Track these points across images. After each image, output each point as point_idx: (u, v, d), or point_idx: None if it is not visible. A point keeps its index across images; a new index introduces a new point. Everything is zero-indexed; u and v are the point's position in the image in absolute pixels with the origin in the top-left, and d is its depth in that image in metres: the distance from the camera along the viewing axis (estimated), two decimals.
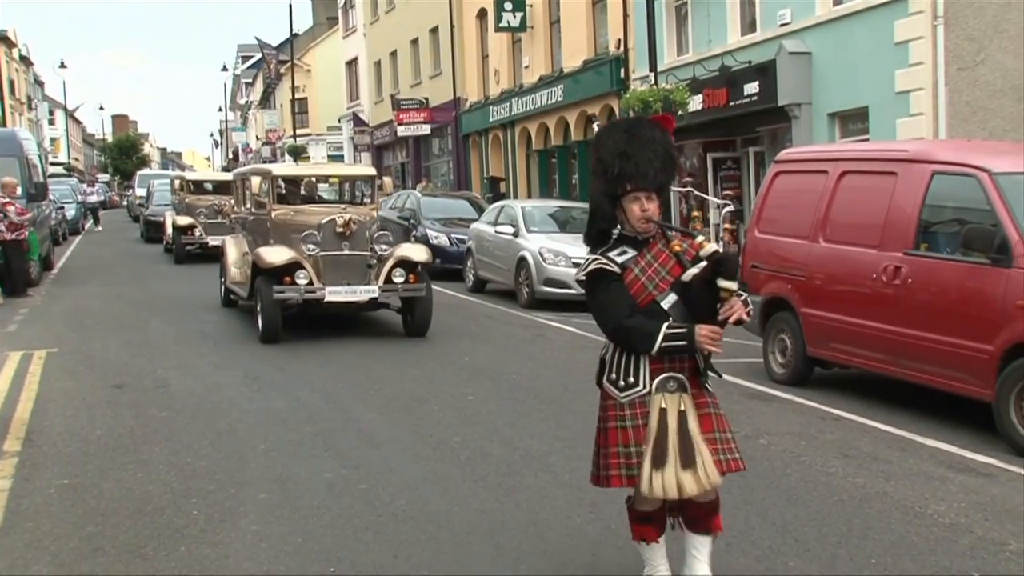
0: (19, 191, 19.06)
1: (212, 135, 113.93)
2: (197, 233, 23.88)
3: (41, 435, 7.99)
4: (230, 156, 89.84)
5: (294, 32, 49.90)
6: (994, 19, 15.75)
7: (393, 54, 42.02)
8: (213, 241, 22.24)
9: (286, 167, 17.83)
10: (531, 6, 28.93)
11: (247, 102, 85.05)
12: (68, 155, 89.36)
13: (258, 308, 12.26)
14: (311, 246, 12.29)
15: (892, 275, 8.54)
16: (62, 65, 75.66)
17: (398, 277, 12.39)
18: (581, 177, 27.69)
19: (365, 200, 14.70)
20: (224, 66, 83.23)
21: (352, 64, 49.20)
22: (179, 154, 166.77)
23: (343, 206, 13.69)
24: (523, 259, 16.63)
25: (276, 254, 12.27)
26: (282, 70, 57.48)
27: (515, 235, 17.38)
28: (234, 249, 14.86)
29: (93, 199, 42.46)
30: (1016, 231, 7.62)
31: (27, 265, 17.72)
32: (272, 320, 12.05)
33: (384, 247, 12.54)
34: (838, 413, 8.80)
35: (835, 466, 7.10)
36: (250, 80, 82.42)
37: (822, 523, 5.92)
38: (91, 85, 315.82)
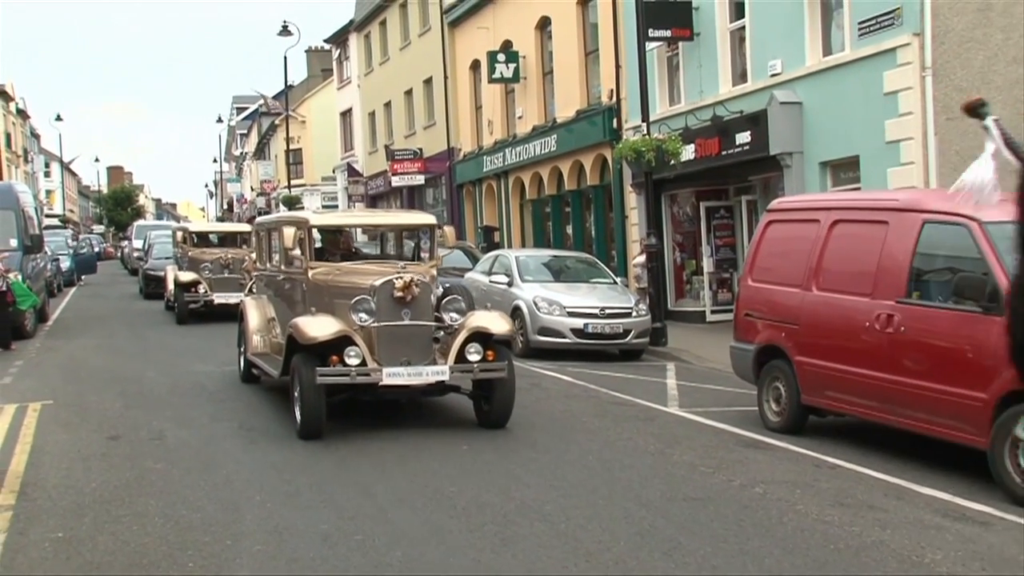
0: (13, 243, 19.18)
1: (207, 186, 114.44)
2: (202, 290, 21.99)
3: (36, 488, 7.97)
4: (225, 207, 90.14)
5: (289, 84, 50.26)
6: (981, 70, 15.97)
7: (387, 105, 42.35)
8: (219, 299, 21.33)
9: (326, 215, 14.11)
10: (524, 57, 29.23)
11: (242, 153, 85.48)
12: (63, 207, 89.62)
13: (295, 394, 9.76)
14: (363, 315, 9.79)
15: (885, 323, 8.60)
16: (58, 118, 76.28)
17: (473, 354, 9.94)
18: (575, 226, 27.82)
19: (422, 255, 12.01)
20: (219, 117, 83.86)
21: (346, 115, 49.55)
22: (174, 205, 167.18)
23: (402, 264, 10.99)
24: (517, 308, 16.68)
25: (320, 326, 9.74)
26: (277, 121, 57.84)
27: (509, 284, 17.45)
28: (256, 313, 12.70)
29: (85, 251, 40.63)
30: (1007, 279, 7.68)
31: (11, 317, 17.35)
32: (314, 410, 9.49)
33: (454, 315, 10.15)
34: (833, 461, 8.81)
35: (831, 515, 7.10)
36: (245, 131, 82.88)
37: (819, 572, 5.91)
38: (87, 137, 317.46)
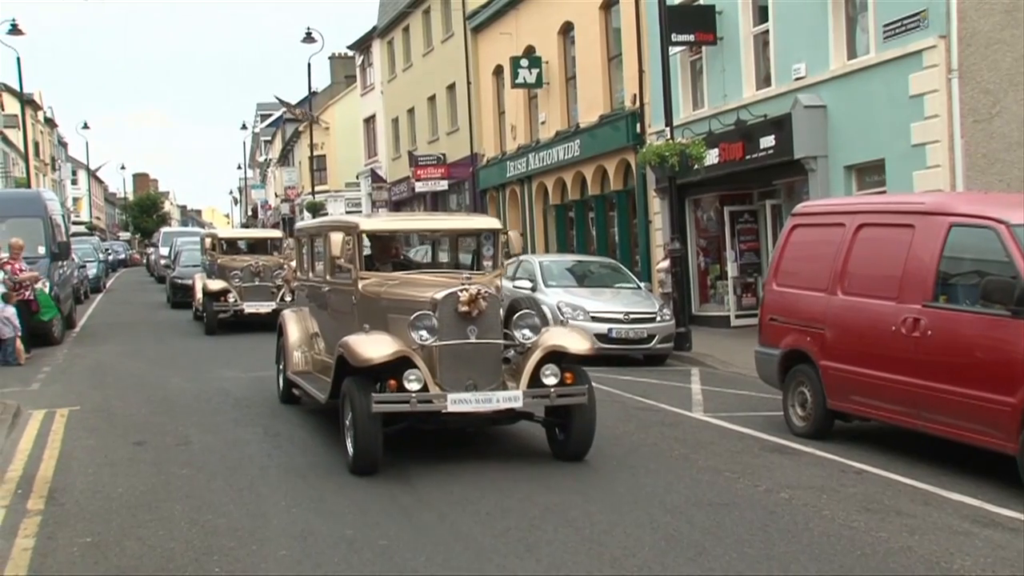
0: (41, 250, 19.33)
1: (231, 192, 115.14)
2: (231, 299, 21.13)
3: (64, 493, 8.03)
4: (249, 213, 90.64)
5: (312, 90, 50.47)
6: (1009, 72, 15.84)
7: (411, 111, 42.48)
8: (249, 308, 20.83)
9: (378, 219, 12.63)
10: (547, 63, 29.25)
11: (266, 159, 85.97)
12: (90, 214, 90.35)
13: (347, 422, 8.68)
14: (424, 333, 8.57)
15: (911, 327, 8.54)
16: (85, 126, 76.97)
17: (549, 377, 8.75)
18: (599, 231, 27.81)
19: (484, 264, 10.80)
20: (243, 124, 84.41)
21: (370, 121, 49.73)
22: (199, 212, 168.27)
23: (465, 274, 9.81)
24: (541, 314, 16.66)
25: (375, 345, 8.62)
26: (301, 127, 58.13)
27: (533, 289, 17.44)
28: (296, 328, 11.69)
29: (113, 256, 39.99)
30: None
31: (35, 325, 17.21)
32: (370, 442, 8.37)
33: (527, 332, 8.91)
34: (859, 466, 8.75)
35: (857, 520, 7.05)
36: (269, 138, 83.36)
37: None
38: (113, 144, 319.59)
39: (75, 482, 8.40)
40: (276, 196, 74.20)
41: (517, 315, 8.99)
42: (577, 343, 9.08)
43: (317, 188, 51.43)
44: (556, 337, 9.07)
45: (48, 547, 6.62)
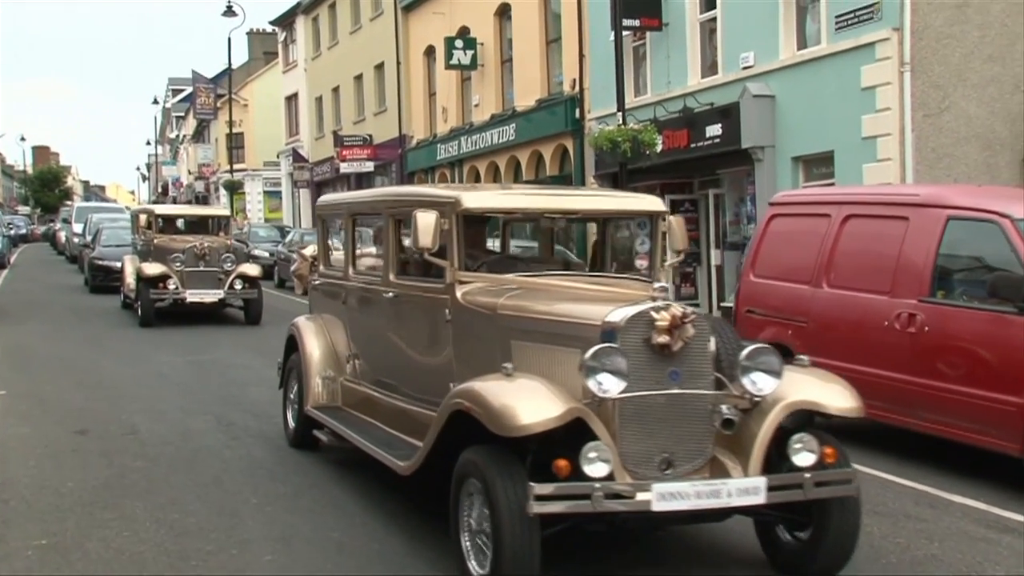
0: None
1: (139, 169, 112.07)
2: (172, 285, 18.48)
3: (6, 488, 7.35)
4: (159, 190, 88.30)
5: (231, 66, 49.01)
6: (958, 68, 15.89)
7: (335, 90, 41.54)
8: (192, 296, 18.43)
9: (488, 193, 7.84)
10: (482, 44, 28.70)
11: (178, 135, 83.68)
12: None
13: (471, 521, 5.44)
14: (607, 379, 5.12)
15: (906, 323, 8.28)
16: None
17: (801, 453, 5.40)
18: None
19: (638, 263, 7.78)
20: (155, 99, 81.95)
21: (292, 99, 48.56)
22: (102, 187, 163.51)
23: (658, 284, 5.75)
24: None
25: (531, 399, 5.18)
26: (219, 104, 56.54)
27: None
28: (319, 343, 8.44)
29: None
30: None
31: None
32: (523, 558, 4.98)
33: (760, 380, 5.44)
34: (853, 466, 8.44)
35: (870, 524, 6.70)
36: (182, 114, 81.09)
37: None
38: (11, 115, 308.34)
39: (17, 475, 7.72)
40: (190, 173, 72.30)
41: (747, 352, 5.46)
42: (840, 398, 5.74)
43: (235, 166, 50.01)
44: (803, 388, 5.61)
45: None
